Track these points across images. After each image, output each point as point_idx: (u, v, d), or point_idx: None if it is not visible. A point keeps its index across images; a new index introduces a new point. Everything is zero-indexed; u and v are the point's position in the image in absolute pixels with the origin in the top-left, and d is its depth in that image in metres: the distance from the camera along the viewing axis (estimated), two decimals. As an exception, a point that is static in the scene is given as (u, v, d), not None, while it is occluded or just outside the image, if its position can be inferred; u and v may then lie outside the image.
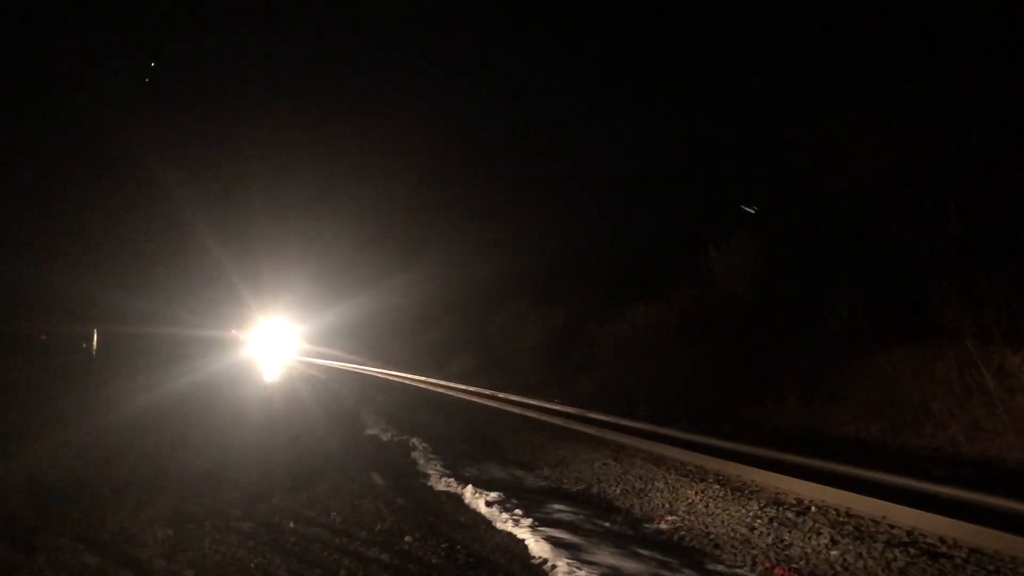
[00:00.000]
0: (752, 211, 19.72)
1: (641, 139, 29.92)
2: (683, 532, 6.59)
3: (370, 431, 12.92)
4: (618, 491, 8.38)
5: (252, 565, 5.00)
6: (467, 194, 37.86)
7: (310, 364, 40.78)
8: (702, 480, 8.80)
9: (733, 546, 6.11)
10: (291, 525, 6.05)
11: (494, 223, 32.16)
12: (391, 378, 31.09)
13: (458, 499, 7.59)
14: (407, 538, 5.80)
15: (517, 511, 6.82)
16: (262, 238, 45.86)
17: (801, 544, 6.09)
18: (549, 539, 5.86)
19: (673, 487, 8.42)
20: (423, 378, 29.04)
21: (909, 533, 6.32)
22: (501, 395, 21.07)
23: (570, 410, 16.81)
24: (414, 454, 10.47)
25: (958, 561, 5.55)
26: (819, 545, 6.03)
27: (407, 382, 28.76)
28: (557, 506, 7.39)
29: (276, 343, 45.24)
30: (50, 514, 6.25)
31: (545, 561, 5.37)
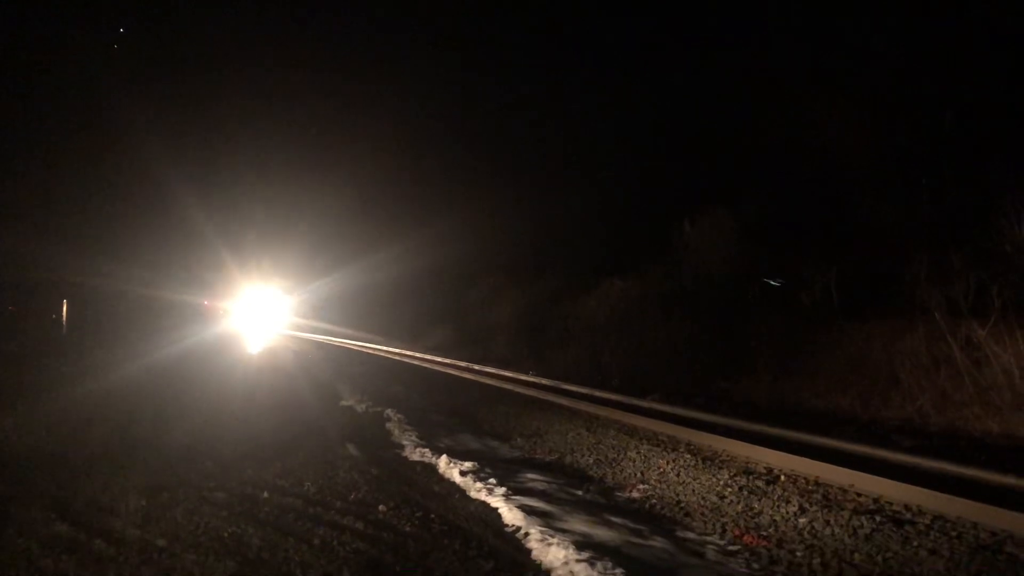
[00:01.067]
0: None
1: (618, 115, 29.84)
2: (655, 500, 6.68)
3: (345, 402, 12.92)
4: (591, 461, 8.46)
5: (225, 535, 5.01)
6: (449, 168, 37.61)
7: (292, 337, 40.54)
8: (674, 450, 8.90)
9: (703, 514, 6.20)
10: (265, 495, 6.06)
11: (474, 198, 32.02)
12: (368, 351, 31.07)
13: (432, 469, 7.63)
14: (381, 507, 5.82)
15: (491, 480, 6.87)
16: (248, 208, 45.14)
17: (770, 512, 6.19)
18: (522, 507, 5.92)
19: (645, 457, 8.52)
20: (400, 350, 29.04)
21: (876, 501, 6.44)
22: (476, 367, 21.13)
23: (544, 382, 16.90)
24: (389, 425, 10.49)
25: (921, 527, 5.67)
26: (788, 513, 6.13)
27: (384, 354, 28.75)
28: (531, 475, 7.46)
29: (260, 314, 44.75)
30: (21, 485, 6.21)
31: (518, 529, 5.43)
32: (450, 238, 30.96)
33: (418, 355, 26.98)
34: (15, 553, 4.58)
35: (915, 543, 5.34)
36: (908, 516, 6.00)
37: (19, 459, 7.28)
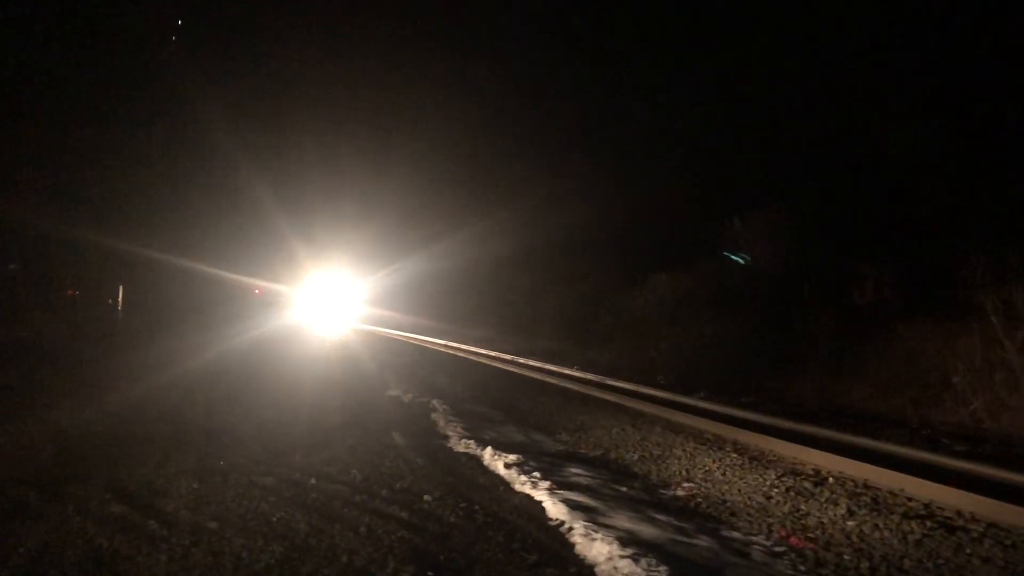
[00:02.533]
0: (741, 260, 19.74)
1: (669, 107, 29.54)
2: (700, 499, 6.63)
3: (392, 392, 13.03)
4: (636, 457, 8.43)
5: (274, 519, 5.09)
6: (508, 158, 37.41)
7: (355, 328, 40.30)
8: (720, 449, 8.83)
9: (749, 514, 6.15)
10: (312, 482, 6.15)
11: (525, 192, 31.93)
12: (415, 341, 31.29)
13: (477, 460, 7.67)
14: (426, 497, 5.87)
15: (535, 474, 6.88)
16: (316, 196, 45.16)
17: (818, 514, 6.11)
18: (566, 502, 5.92)
19: (691, 455, 8.46)
20: (447, 342, 29.20)
21: (927, 506, 6.32)
22: (521, 360, 21.16)
23: (590, 377, 16.87)
24: (434, 416, 10.56)
25: (975, 535, 5.55)
26: (836, 515, 6.05)
27: (432, 346, 28.93)
28: (575, 470, 7.45)
29: (328, 302, 44.52)
30: (79, 466, 6.39)
31: (562, 523, 5.43)
32: (506, 230, 30.96)
33: (464, 347, 27.09)
34: (72, 532, 4.71)
35: (967, 551, 5.23)
36: (960, 523, 5.88)
37: (79, 441, 7.48)
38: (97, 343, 17.37)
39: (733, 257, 20.54)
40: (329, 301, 44.77)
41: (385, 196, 42.83)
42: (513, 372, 18.67)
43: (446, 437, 8.92)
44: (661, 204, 25.00)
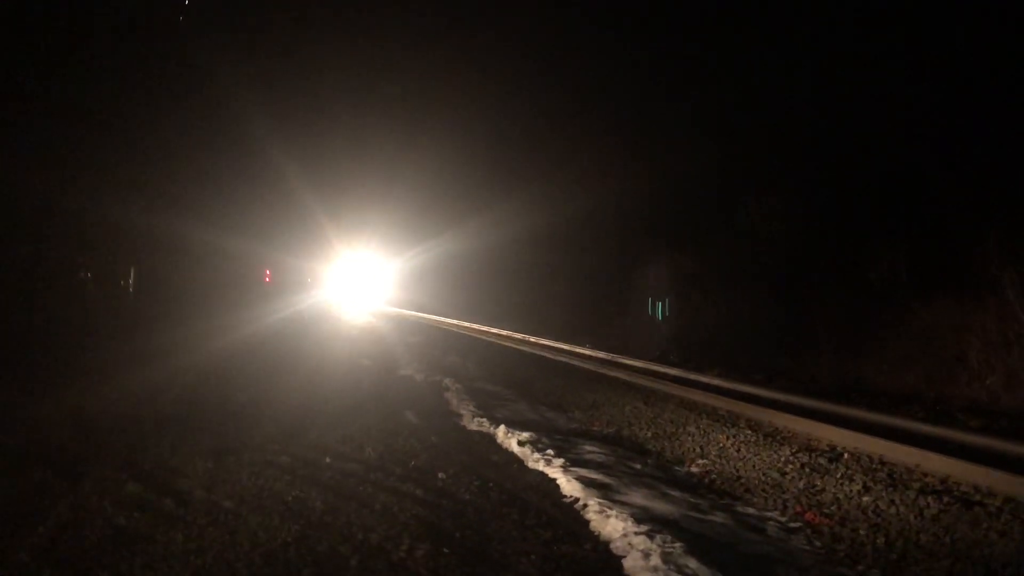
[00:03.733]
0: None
1: (678, 85, 29.30)
2: (714, 476, 6.62)
3: (403, 372, 13.06)
4: (649, 434, 8.42)
5: (289, 498, 5.10)
6: (528, 140, 37.14)
7: (380, 312, 40.12)
8: (734, 426, 8.82)
9: (764, 490, 6.13)
10: (327, 460, 6.16)
11: (541, 177, 31.79)
12: (431, 322, 31.36)
13: (491, 439, 7.67)
14: (440, 475, 5.88)
15: (549, 451, 6.88)
16: (345, 177, 44.83)
17: (833, 490, 6.10)
18: (580, 479, 5.92)
19: (704, 432, 8.45)
20: (461, 323, 29.25)
21: (943, 481, 6.30)
22: (532, 339, 21.17)
23: (601, 355, 16.86)
24: (447, 395, 10.57)
25: (992, 510, 5.53)
26: (851, 491, 6.03)
27: (448, 327, 28.99)
28: (588, 447, 7.45)
29: (355, 285, 44.17)
30: (95, 445, 6.42)
31: (576, 500, 5.43)
32: (523, 212, 30.91)
33: (478, 326, 27.14)
34: (91, 510, 4.74)
35: (984, 525, 5.21)
36: (977, 497, 5.85)
37: (95, 420, 7.52)
38: (113, 329, 17.26)
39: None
40: (357, 282, 44.60)
41: (413, 177, 42.65)
42: (524, 351, 18.67)
43: (459, 416, 8.93)
44: (678, 181, 24.86)
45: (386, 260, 45.10)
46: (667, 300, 23.57)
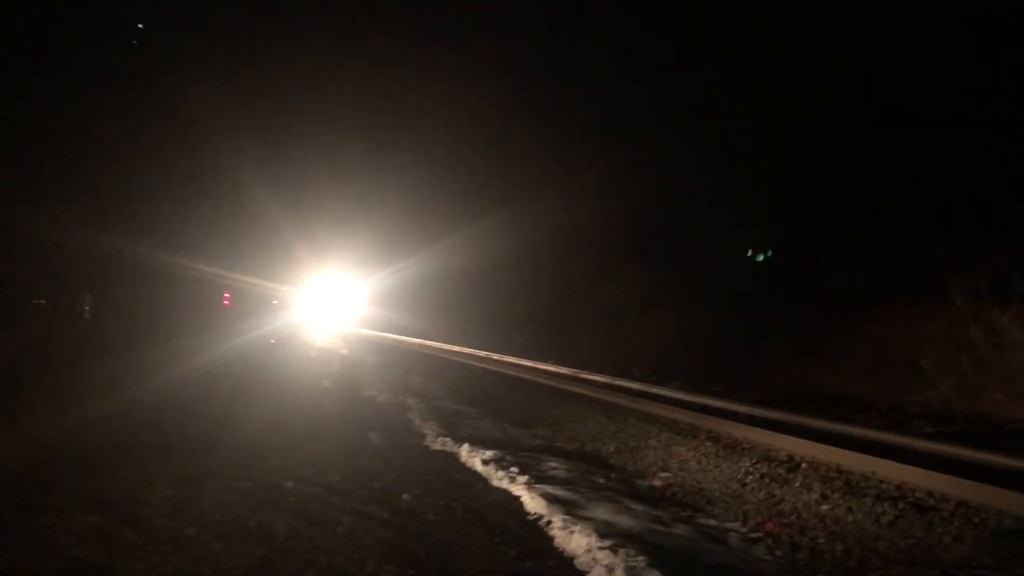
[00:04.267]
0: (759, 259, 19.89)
1: (635, 98, 29.64)
2: (676, 488, 6.70)
3: (366, 393, 13.01)
4: (612, 449, 8.49)
5: (252, 523, 5.08)
6: (484, 170, 37.07)
7: (353, 334, 39.49)
8: (695, 438, 8.91)
9: (725, 501, 6.23)
10: (290, 484, 6.13)
11: (504, 202, 31.88)
12: (395, 342, 31.23)
13: (454, 458, 7.68)
14: (405, 496, 5.89)
15: (513, 469, 6.91)
16: (318, 195, 43.88)
17: (792, 499, 6.20)
18: (545, 496, 5.96)
19: (666, 445, 8.54)
20: (423, 341, 29.18)
21: (898, 488, 6.43)
22: (495, 356, 21.19)
23: (564, 371, 16.92)
24: (410, 415, 10.55)
25: (945, 514, 5.66)
26: (810, 500, 6.14)
27: (407, 345, 28.89)
28: (552, 464, 7.49)
29: (326, 306, 43.18)
30: (52, 476, 6.32)
31: (541, 517, 5.47)
32: (490, 235, 30.87)
33: (439, 345, 27.09)
34: (49, 544, 4.67)
35: (939, 530, 5.34)
36: (931, 503, 5.99)
37: (52, 450, 7.40)
38: (66, 359, 16.88)
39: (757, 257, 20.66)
40: (329, 302, 43.83)
41: (385, 199, 42.09)
42: (489, 369, 18.68)
43: (422, 436, 8.92)
44: (630, 193, 25.12)
45: (358, 281, 44.43)
46: (628, 314, 23.74)
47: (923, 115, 16.83)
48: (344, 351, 24.70)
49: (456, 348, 25.22)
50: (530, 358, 20.11)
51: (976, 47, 15.84)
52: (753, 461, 7.55)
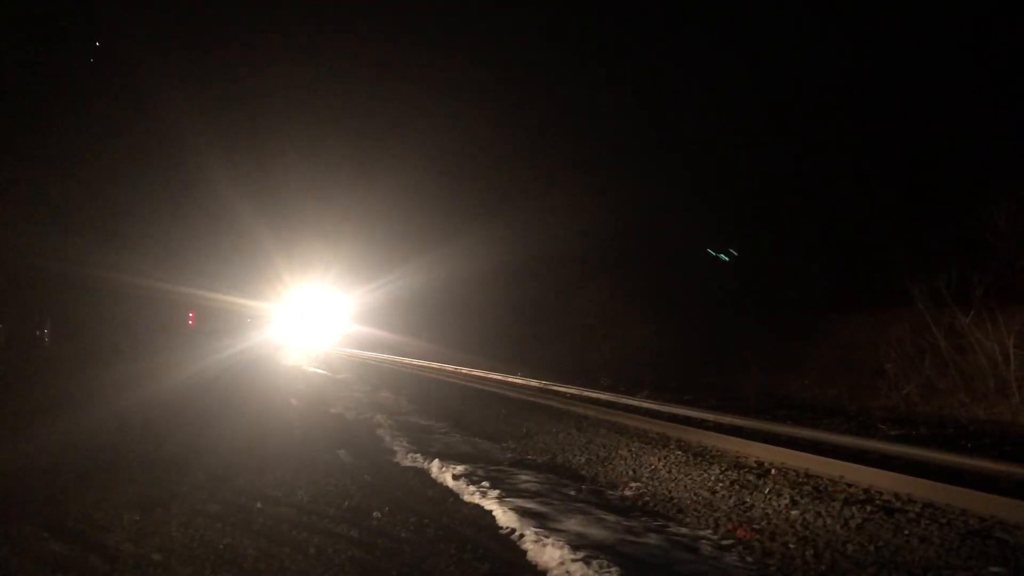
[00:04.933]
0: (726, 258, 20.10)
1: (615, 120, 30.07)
2: (647, 498, 6.72)
3: (334, 410, 12.90)
4: (583, 460, 8.49)
5: (221, 546, 5.00)
6: (467, 192, 37.01)
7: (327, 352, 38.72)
8: (664, 447, 8.94)
9: (696, 510, 6.24)
10: (258, 506, 6.05)
11: (478, 220, 31.96)
12: (367, 359, 31.03)
13: (425, 474, 7.64)
14: (375, 514, 5.83)
15: (484, 483, 6.89)
16: (298, 212, 43.05)
17: (762, 505, 6.24)
18: (516, 509, 5.94)
19: (636, 455, 8.55)
20: (391, 357, 29.04)
21: (866, 491, 6.50)
22: (465, 371, 21.14)
23: (533, 383, 16.93)
24: (380, 431, 10.49)
25: (912, 515, 5.73)
26: (779, 506, 6.18)
27: (377, 361, 28.72)
28: (524, 477, 7.48)
29: (305, 323, 42.11)
30: (13, 503, 6.18)
31: (513, 531, 5.45)
32: (463, 252, 30.82)
33: (408, 360, 26.98)
34: (11, 573, 4.56)
35: (906, 531, 5.39)
36: (898, 505, 6.06)
37: (11, 477, 7.24)
38: (28, 380, 16.57)
39: (719, 256, 20.83)
40: (308, 319, 42.83)
41: (367, 213, 41.55)
42: (457, 383, 18.62)
43: (392, 452, 8.86)
44: (593, 210, 25.32)
45: (338, 297, 43.46)
46: (598, 326, 23.82)
47: (884, 121, 17.15)
48: (312, 371, 24.49)
49: (425, 363, 25.13)
50: (501, 372, 20.08)
51: (937, 55, 16.19)
52: (723, 468, 7.59)
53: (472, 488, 6.75)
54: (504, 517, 5.79)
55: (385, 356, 30.61)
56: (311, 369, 24.32)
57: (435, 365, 23.97)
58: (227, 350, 29.75)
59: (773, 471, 7.47)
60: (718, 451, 8.63)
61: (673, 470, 7.70)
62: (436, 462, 7.88)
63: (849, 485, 6.72)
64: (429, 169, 37.69)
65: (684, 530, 5.67)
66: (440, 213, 37.10)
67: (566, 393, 14.83)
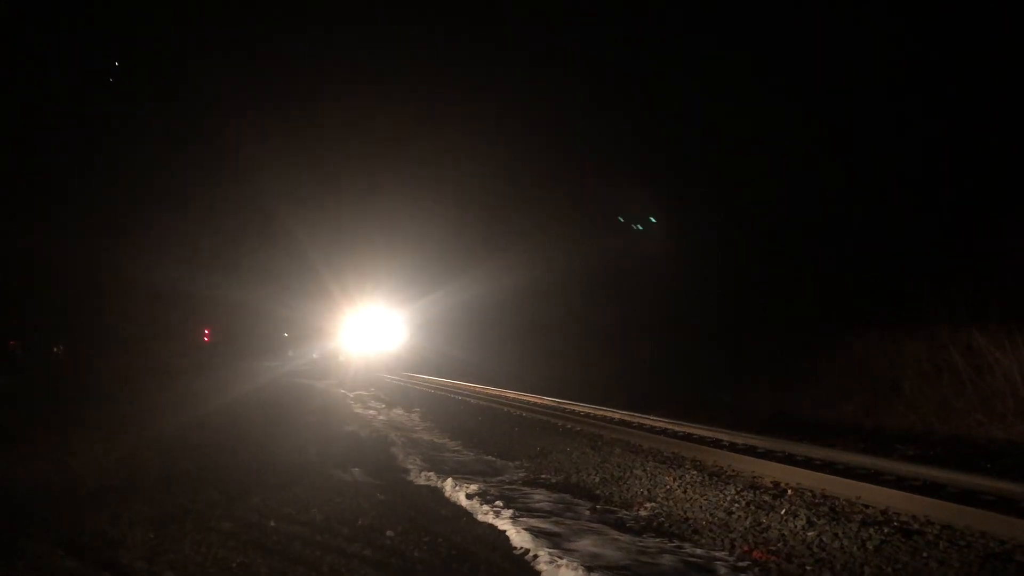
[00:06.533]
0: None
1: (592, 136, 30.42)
2: (662, 518, 6.67)
3: (349, 428, 12.90)
4: (597, 479, 8.44)
5: (234, 564, 4.99)
6: (509, 210, 37.03)
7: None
8: (679, 467, 8.88)
9: (712, 530, 6.19)
10: (272, 524, 6.04)
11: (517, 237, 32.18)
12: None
13: (438, 492, 7.62)
14: (389, 533, 5.81)
15: (497, 503, 6.86)
16: (351, 233, 43.17)
17: (778, 527, 6.18)
18: (530, 529, 5.91)
19: (651, 474, 8.50)
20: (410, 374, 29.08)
21: (883, 512, 6.43)
22: (478, 388, 21.12)
23: (547, 401, 16.89)
24: (393, 449, 10.47)
25: (930, 538, 5.66)
26: (796, 527, 6.12)
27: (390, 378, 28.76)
28: (537, 496, 7.44)
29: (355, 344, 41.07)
30: (29, 520, 6.20)
31: (527, 551, 5.42)
32: (502, 269, 30.89)
33: (422, 376, 27.01)
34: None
35: (924, 554, 5.33)
36: (916, 527, 5.99)
37: (27, 494, 7.26)
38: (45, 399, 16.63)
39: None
40: (359, 338, 41.49)
41: (414, 233, 41.19)
42: (470, 401, 18.61)
43: (406, 471, 8.85)
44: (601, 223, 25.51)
45: (390, 314, 41.81)
46: (612, 344, 23.80)
47: (901, 140, 17.11)
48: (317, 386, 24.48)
49: (438, 379, 25.16)
50: (514, 390, 20.06)
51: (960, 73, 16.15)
52: (738, 489, 7.52)
53: (486, 507, 6.72)
54: (518, 537, 5.76)
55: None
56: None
57: (446, 381, 23.97)
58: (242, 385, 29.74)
59: (789, 491, 7.40)
60: (733, 471, 8.56)
61: (688, 490, 7.64)
62: (449, 481, 7.87)
63: (866, 506, 6.65)
64: (474, 190, 37.65)
65: (699, 551, 5.62)
66: (480, 240, 37.15)
67: (579, 412, 14.80)
